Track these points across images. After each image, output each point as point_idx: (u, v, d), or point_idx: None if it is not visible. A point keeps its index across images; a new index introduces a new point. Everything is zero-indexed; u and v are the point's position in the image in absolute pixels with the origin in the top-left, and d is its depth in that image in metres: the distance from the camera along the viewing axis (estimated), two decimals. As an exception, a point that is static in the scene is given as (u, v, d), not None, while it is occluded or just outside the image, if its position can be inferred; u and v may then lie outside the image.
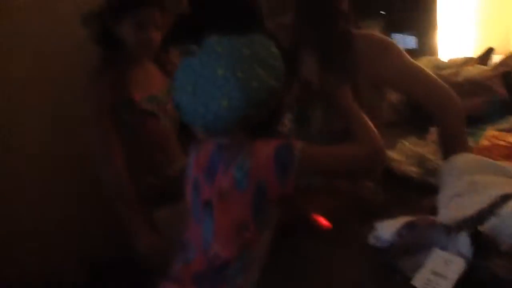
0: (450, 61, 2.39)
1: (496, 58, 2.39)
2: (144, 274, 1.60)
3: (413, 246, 1.06)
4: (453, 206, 1.15)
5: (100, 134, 1.70)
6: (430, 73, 1.43)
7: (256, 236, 1.07)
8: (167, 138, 1.85)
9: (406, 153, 1.72)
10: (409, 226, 1.04)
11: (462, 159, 1.30)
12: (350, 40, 1.36)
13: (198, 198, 1.15)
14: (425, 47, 2.85)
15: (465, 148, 1.40)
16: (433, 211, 1.24)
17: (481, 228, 1.02)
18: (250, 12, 1.61)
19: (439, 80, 1.40)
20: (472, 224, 1.04)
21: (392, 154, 1.69)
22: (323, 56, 1.37)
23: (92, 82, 1.71)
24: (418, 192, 1.49)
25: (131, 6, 1.65)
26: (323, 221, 1.32)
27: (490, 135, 1.61)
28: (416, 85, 1.39)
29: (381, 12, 2.96)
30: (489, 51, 2.45)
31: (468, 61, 2.28)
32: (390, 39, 1.46)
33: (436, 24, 2.86)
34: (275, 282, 1.12)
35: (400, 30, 2.96)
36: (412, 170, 1.58)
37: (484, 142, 1.58)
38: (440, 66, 2.31)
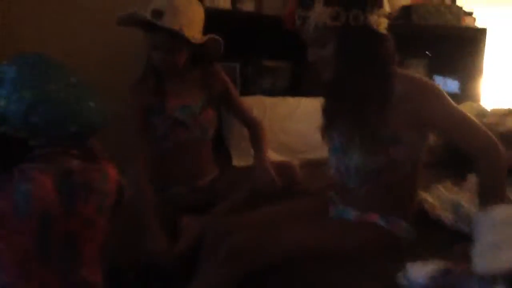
0: (492, 110, 2.35)
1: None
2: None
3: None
4: (490, 257, 1.11)
5: (130, 134, 1.79)
6: (473, 118, 1.40)
7: None
8: (197, 149, 1.88)
9: (440, 197, 1.69)
10: (443, 272, 1.01)
11: (503, 211, 1.26)
12: (388, 80, 1.34)
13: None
14: (467, 93, 2.81)
15: (504, 199, 1.36)
16: (464, 258, 1.22)
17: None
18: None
19: (482, 126, 1.38)
20: (509, 278, 1.01)
21: (427, 196, 1.67)
22: (359, 93, 1.36)
23: (133, 87, 1.83)
24: (449, 237, 1.47)
25: (145, 30, 1.73)
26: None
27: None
28: (457, 129, 1.36)
29: (426, 52, 2.94)
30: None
31: (511, 112, 2.24)
32: (431, 81, 1.43)
33: (481, 70, 2.82)
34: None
35: (444, 72, 2.93)
36: (445, 215, 1.55)
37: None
38: (482, 114, 2.28)
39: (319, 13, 1.27)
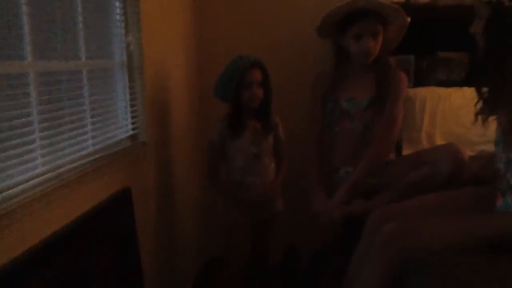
0: None
1: None
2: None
3: None
4: None
5: (309, 117, 2.12)
6: None
7: None
8: (356, 140, 1.99)
9: None
10: None
11: None
12: None
13: None
14: None
15: None
16: None
17: None
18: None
19: None
20: None
21: None
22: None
23: (316, 77, 2.13)
24: None
25: (351, 21, 1.93)
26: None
27: None
28: None
29: None
30: None
31: None
32: None
33: None
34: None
35: None
36: None
37: None
38: None
39: None
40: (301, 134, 2.20)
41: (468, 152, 1.91)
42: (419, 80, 2.45)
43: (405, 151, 2.22)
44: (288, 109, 2.35)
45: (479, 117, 1.46)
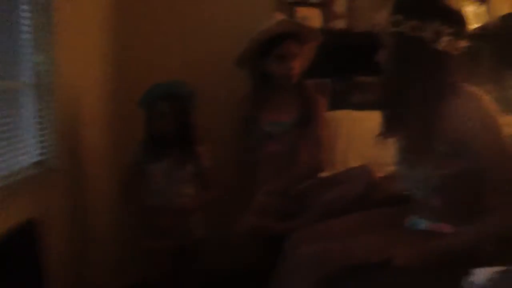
0: None
1: None
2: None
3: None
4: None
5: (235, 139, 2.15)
6: (506, 143, 1.30)
7: None
8: (279, 165, 2.02)
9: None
10: (503, 273, 1.03)
11: None
12: (438, 95, 1.33)
13: None
14: None
15: None
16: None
17: None
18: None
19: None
20: None
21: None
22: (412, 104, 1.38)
23: (241, 99, 2.16)
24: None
25: (273, 44, 1.99)
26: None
27: None
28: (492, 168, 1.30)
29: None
30: None
31: None
32: (480, 92, 1.34)
33: None
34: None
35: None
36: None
37: None
38: None
39: (385, 17, 1.37)
40: (231, 156, 2.19)
41: (380, 173, 1.99)
42: (335, 103, 2.52)
43: (321, 173, 2.27)
44: (217, 129, 2.32)
45: (381, 138, 1.52)
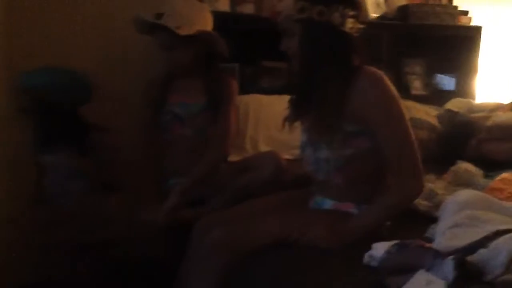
0: (482, 105, 2.41)
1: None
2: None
3: (404, 267, 1.11)
4: (449, 235, 1.19)
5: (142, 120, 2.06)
6: (406, 124, 1.38)
7: None
8: (187, 147, 1.99)
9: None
10: (398, 245, 1.09)
11: (466, 194, 1.34)
12: (345, 76, 1.39)
13: None
14: (463, 90, 2.87)
15: None
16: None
17: (470, 258, 1.07)
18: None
19: (409, 136, 1.37)
20: (462, 253, 1.08)
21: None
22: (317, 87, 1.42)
23: (148, 83, 2.07)
24: (423, 224, 1.52)
25: (150, 32, 1.94)
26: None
27: (504, 176, 1.64)
28: (388, 144, 1.38)
29: (425, 52, 3.01)
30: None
31: (499, 107, 2.30)
32: (385, 82, 1.40)
33: (476, 68, 2.88)
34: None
35: (441, 71, 3.00)
36: (420, 203, 1.61)
37: (497, 183, 1.61)
38: (471, 109, 2.34)
39: (288, 6, 1.40)
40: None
41: (286, 156, 2.04)
42: (243, 88, 2.52)
43: (231, 158, 2.27)
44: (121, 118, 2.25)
45: (286, 123, 1.55)
